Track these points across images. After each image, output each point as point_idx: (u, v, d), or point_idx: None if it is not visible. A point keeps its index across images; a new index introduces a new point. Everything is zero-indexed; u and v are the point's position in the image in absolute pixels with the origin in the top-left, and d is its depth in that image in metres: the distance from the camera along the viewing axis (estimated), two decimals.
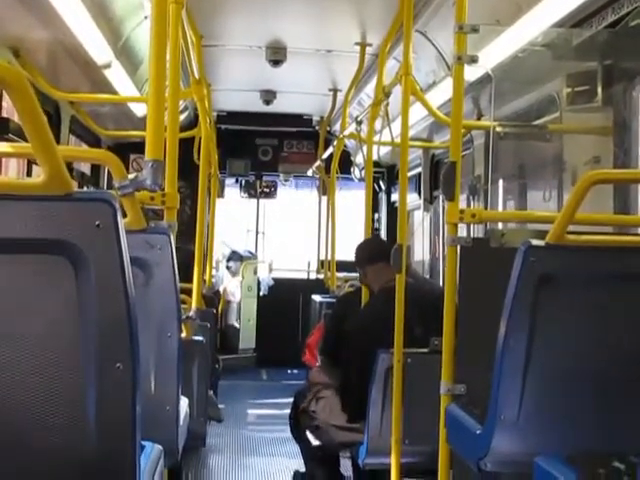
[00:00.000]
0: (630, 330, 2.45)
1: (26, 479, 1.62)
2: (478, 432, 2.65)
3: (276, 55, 6.71)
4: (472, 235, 4.32)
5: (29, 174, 5.39)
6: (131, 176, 2.38)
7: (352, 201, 10.03)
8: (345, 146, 8.46)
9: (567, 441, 2.38)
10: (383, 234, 10.25)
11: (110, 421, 1.60)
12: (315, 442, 4.71)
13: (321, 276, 9.60)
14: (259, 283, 10.90)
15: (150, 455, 2.13)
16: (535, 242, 2.44)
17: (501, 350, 2.46)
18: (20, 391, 1.59)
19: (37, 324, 1.59)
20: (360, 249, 5.00)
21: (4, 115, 4.54)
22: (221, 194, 10.19)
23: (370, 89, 6.50)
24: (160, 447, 2.26)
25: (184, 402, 2.86)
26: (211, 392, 6.12)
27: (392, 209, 9.68)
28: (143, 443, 2.19)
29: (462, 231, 3.50)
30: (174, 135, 3.23)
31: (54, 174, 1.52)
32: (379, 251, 4.77)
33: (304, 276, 11.26)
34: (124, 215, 2.41)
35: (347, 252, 6.34)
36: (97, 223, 1.58)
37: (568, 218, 2.37)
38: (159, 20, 2.69)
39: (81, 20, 4.22)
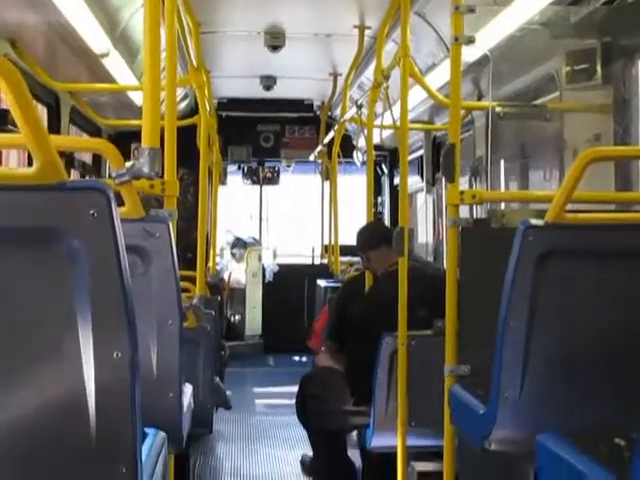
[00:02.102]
0: (630, 307, 2.45)
1: (25, 467, 1.63)
2: (481, 412, 2.66)
3: (275, 40, 6.68)
4: (475, 216, 4.31)
5: (30, 166, 5.38)
6: (128, 164, 2.37)
7: (355, 185, 10.01)
8: (347, 130, 8.44)
9: (569, 419, 2.39)
10: (386, 217, 10.24)
11: (109, 408, 1.60)
12: (322, 426, 4.73)
13: (325, 261, 9.60)
14: (264, 269, 10.91)
15: (153, 442, 2.13)
16: (534, 221, 2.44)
17: (502, 329, 2.46)
18: (17, 380, 1.60)
19: (32, 314, 1.60)
20: (361, 234, 5.00)
21: (3, 107, 4.54)
22: (223, 181, 10.19)
23: (370, 72, 6.47)
24: (163, 434, 2.27)
25: (188, 389, 2.86)
26: (218, 379, 6.14)
27: (395, 192, 9.67)
28: (146, 430, 2.20)
29: (466, 214, 3.49)
30: (172, 123, 3.21)
31: (47, 163, 1.52)
32: (380, 235, 4.78)
33: (308, 261, 11.26)
34: (122, 204, 2.41)
35: (351, 236, 6.33)
36: (91, 212, 1.57)
37: (566, 196, 2.37)
38: (153, 7, 2.68)
39: (77, 9, 4.20)
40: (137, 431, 1.63)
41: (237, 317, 10.82)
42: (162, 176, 2.98)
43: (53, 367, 1.61)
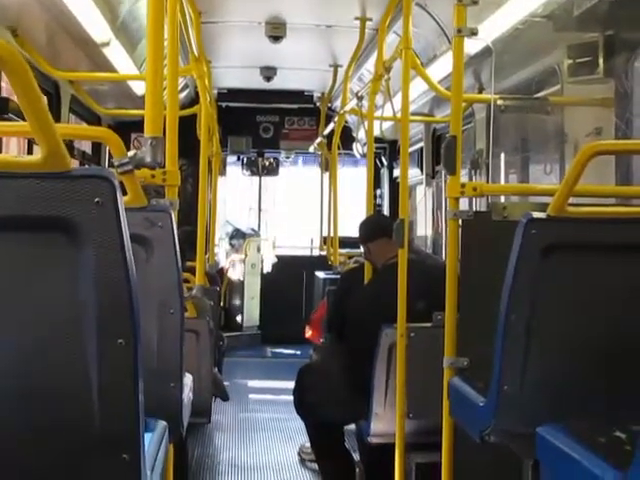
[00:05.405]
0: (631, 301, 2.46)
1: (27, 454, 1.63)
2: (481, 404, 2.67)
3: (276, 31, 6.66)
4: (475, 209, 4.31)
5: (30, 153, 5.37)
6: (130, 153, 2.37)
7: (355, 177, 10.00)
8: (347, 122, 8.43)
9: (569, 411, 2.39)
10: (386, 210, 10.24)
11: (113, 396, 1.60)
12: (320, 418, 4.73)
13: (324, 253, 9.60)
14: (262, 260, 10.91)
15: (154, 431, 2.14)
16: (536, 214, 2.45)
17: (503, 322, 2.46)
18: (21, 368, 1.60)
19: (37, 301, 1.60)
20: (362, 226, 5.01)
21: (3, 95, 4.53)
22: (223, 172, 10.18)
23: (371, 64, 6.46)
24: (164, 423, 2.27)
25: (188, 378, 2.86)
26: (216, 369, 6.14)
27: (394, 184, 9.66)
28: (147, 419, 2.19)
29: (465, 207, 3.50)
30: (174, 112, 3.21)
31: (52, 151, 1.52)
32: (381, 227, 4.78)
33: (307, 253, 11.26)
34: (124, 193, 2.41)
35: (350, 228, 6.33)
36: (96, 200, 1.57)
37: (569, 190, 2.37)
38: None
39: None
40: (140, 419, 1.63)
41: (235, 308, 10.82)
42: (163, 166, 2.98)
43: (57, 354, 1.61)
